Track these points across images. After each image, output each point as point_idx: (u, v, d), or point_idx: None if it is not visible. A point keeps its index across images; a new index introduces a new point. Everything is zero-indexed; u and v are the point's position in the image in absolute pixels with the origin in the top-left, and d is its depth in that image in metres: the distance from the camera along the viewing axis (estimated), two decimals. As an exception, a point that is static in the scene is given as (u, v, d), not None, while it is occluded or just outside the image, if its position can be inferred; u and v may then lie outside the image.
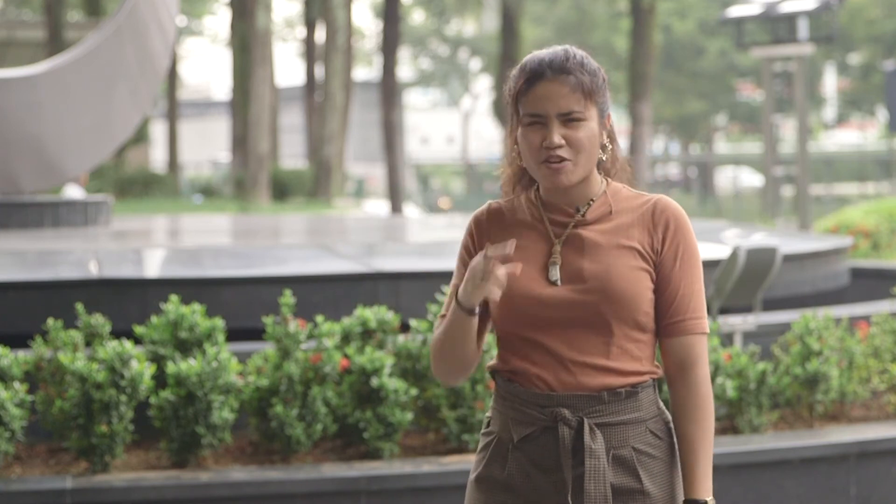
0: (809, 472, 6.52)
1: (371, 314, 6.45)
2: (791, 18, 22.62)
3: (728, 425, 6.77)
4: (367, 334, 6.43)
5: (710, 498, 2.98)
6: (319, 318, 6.46)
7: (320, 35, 37.73)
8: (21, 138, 11.60)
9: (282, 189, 31.98)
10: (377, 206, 36.02)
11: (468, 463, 5.91)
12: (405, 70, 59.91)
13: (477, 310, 2.94)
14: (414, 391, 6.20)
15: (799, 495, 6.50)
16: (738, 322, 7.31)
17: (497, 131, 38.49)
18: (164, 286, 7.39)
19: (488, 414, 3.09)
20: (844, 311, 7.84)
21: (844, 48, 48.88)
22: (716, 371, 6.61)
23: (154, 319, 6.23)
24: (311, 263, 8.49)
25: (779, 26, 23.02)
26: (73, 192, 19.89)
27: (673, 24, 48.51)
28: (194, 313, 6.19)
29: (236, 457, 6.20)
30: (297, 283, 7.46)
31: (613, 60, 44.51)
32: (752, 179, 50.77)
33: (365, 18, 75.13)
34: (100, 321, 6.16)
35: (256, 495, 5.82)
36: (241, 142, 33.75)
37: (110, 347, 5.88)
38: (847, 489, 6.58)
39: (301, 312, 6.81)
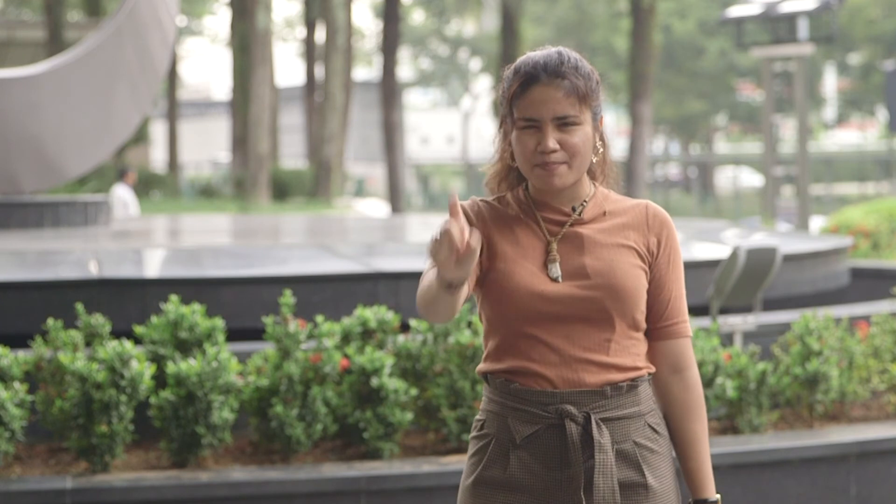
0: (809, 472, 6.52)
1: (371, 314, 6.45)
2: (791, 18, 22.62)
3: (728, 425, 6.77)
4: (367, 334, 6.43)
5: (718, 496, 3.04)
6: (319, 318, 6.46)
7: (320, 35, 37.75)
8: (21, 138, 11.60)
9: (282, 189, 32.00)
10: (370, 206, 35.96)
11: (468, 463, 5.90)
12: (405, 70, 59.90)
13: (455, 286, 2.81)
14: (414, 391, 6.20)
15: (799, 495, 6.50)
16: (738, 322, 7.31)
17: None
18: (163, 286, 7.39)
19: (479, 416, 3.08)
20: (844, 311, 7.84)
21: (844, 48, 48.90)
22: (716, 371, 6.62)
23: (154, 319, 6.23)
24: (311, 263, 8.49)
25: (779, 26, 23.02)
26: (122, 191, 19.87)
27: (673, 24, 48.52)
28: (194, 313, 6.19)
29: (236, 457, 6.20)
30: (297, 283, 7.46)
31: (613, 60, 44.51)
32: (752, 179, 50.80)
33: (365, 18, 75.12)
34: (100, 321, 6.16)
35: (256, 495, 5.82)
36: (241, 142, 33.76)
37: (110, 347, 5.89)
38: (847, 489, 6.58)
39: (301, 312, 6.81)
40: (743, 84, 53.45)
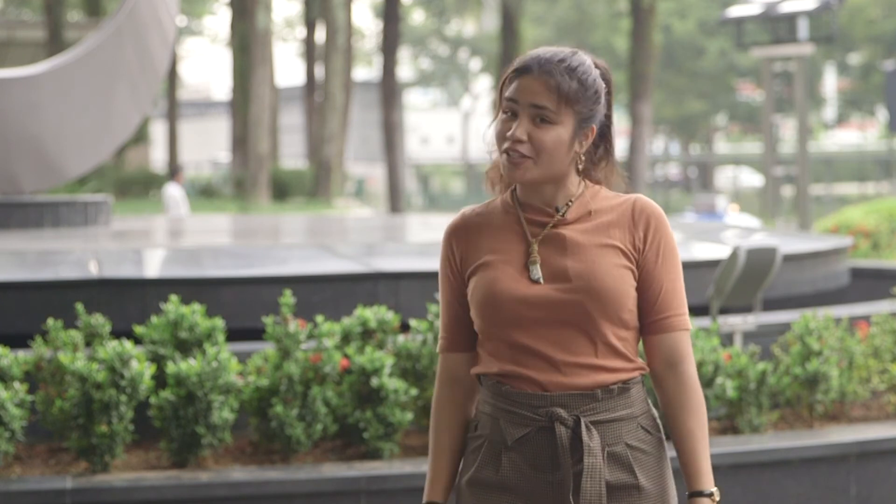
0: (809, 472, 6.52)
1: (371, 314, 6.45)
2: (791, 18, 22.64)
3: (728, 425, 6.77)
4: (367, 334, 6.43)
5: (715, 488, 3.00)
6: (319, 318, 6.46)
7: (320, 35, 37.75)
8: (21, 138, 11.60)
9: (282, 189, 32.00)
10: (364, 212, 35.90)
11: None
12: (405, 70, 59.91)
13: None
14: (414, 391, 6.20)
15: (799, 495, 6.50)
16: (738, 322, 7.30)
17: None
18: (163, 286, 7.38)
19: (473, 417, 3.07)
20: (844, 311, 7.84)
21: (844, 48, 48.92)
22: (716, 371, 6.61)
23: (154, 319, 6.23)
24: (311, 263, 8.49)
25: (779, 26, 23.03)
26: (174, 189, 19.86)
27: (673, 24, 48.53)
28: (194, 313, 6.19)
29: (236, 457, 6.20)
30: (297, 283, 7.46)
31: (613, 60, 44.50)
32: (752, 179, 50.81)
33: (365, 18, 75.12)
34: (100, 321, 6.16)
35: (256, 495, 5.82)
36: (241, 142, 33.76)
37: (110, 347, 5.89)
38: (847, 489, 6.58)
39: (301, 312, 6.81)
40: (743, 84, 53.48)
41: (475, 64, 61.97)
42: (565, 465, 2.93)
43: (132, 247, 9.85)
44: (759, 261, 7.45)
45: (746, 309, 7.83)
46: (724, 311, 7.96)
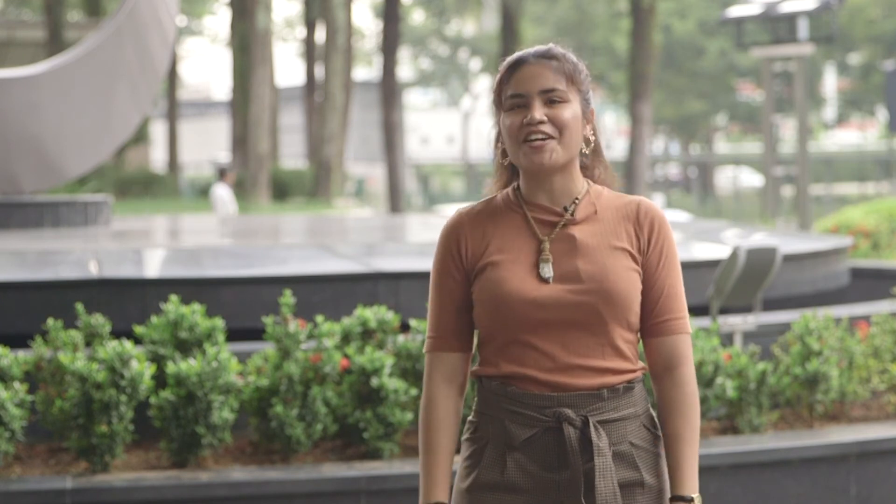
0: (809, 472, 6.52)
1: (371, 314, 6.45)
2: (791, 18, 22.63)
3: (728, 425, 6.77)
4: (367, 334, 6.43)
5: (696, 494, 2.99)
6: (319, 318, 6.46)
7: (320, 35, 37.74)
8: (21, 138, 11.60)
9: (282, 189, 31.98)
10: (363, 212, 35.87)
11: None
12: (405, 70, 59.89)
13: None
14: (414, 391, 6.20)
15: (799, 495, 6.50)
16: (738, 322, 7.30)
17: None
18: (163, 286, 7.39)
19: (471, 418, 3.05)
20: (844, 311, 7.84)
21: (844, 48, 48.90)
22: (716, 371, 6.61)
23: (154, 319, 6.23)
24: (311, 263, 8.49)
25: (779, 26, 23.02)
26: (222, 190, 19.78)
27: (673, 24, 48.51)
28: (194, 313, 6.19)
29: (236, 457, 6.20)
30: (297, 283, 7.46)
31: (613, 60, 44.50)
32: (752, 179, 50.79)
33: (365, 18, 75.11)
34: (100, 321, 6.16)
35: (256, 495, 5.82)
36: (241, 142, 33.74)
37: (110, 347, 5.89)
38: (847, 489, 6.58)
39: (301, 312, 6.81)
40: (743, 84, 53.45)
41: (475, 64, 61.94)
42: (575, 466, 2.92)
43: (132, 247, 9.85)
44: (759, 261, 7.45)
45: (746, 309, 7.83)
46: (724, 311, 7.96)
